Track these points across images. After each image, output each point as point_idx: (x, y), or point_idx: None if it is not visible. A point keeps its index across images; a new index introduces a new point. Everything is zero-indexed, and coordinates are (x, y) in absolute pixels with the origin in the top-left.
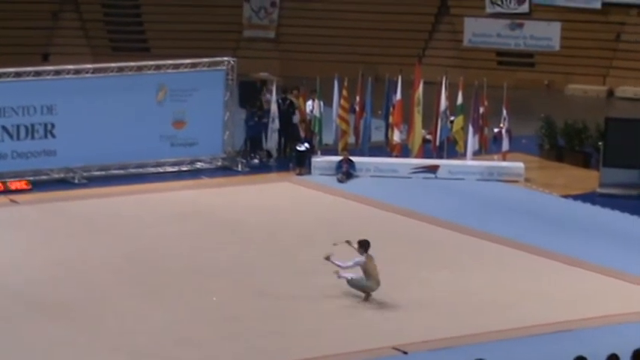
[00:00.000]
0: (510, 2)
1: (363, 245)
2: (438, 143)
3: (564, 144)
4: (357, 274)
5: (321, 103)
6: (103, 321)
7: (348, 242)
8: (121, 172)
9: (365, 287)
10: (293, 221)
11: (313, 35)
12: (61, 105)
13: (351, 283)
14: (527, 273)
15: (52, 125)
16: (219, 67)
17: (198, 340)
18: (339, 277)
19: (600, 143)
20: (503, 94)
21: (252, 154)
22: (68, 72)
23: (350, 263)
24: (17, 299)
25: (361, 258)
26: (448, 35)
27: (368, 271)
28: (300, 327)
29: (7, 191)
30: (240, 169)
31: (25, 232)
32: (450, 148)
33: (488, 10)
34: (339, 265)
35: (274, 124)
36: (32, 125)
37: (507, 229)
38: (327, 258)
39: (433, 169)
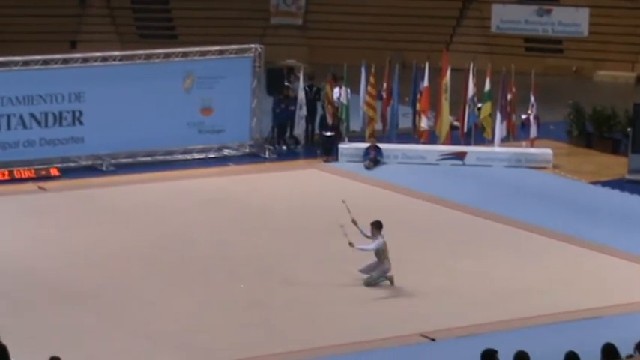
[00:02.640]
0: None
1: (378, 226)
2: (465, 130)
3: (593, 130)
4: (368, 265)
5: (349, 90)
6: (128, 308)
7: (354, 222)
8: (149, 159)
9: (381, 275)
10: (320, 208)
11: (340, 22)
12: (88, 92)
13: (368, 282)
14: (555, 260)
15: (80, 112)
16: (246, 55)
17: (223, 327)
18: (355, 247)
19: (629, 129)
20: (531, 81)
21: (280, 142)
22: (96, 59)
23: (372, 246)
24: (43, 286)
25: (380, 240)
26: (476, 22)
27: (385, 252)
28: (326, 314)
29: (35, 178)
30: (267, 156)
31: (52, 219)
32: (477, 135)
33: None
34: (364, 249)
35: (302, 111)
36: (60, 112)
37: (535, 216)
38: (351, 244)
39: (461, 155)
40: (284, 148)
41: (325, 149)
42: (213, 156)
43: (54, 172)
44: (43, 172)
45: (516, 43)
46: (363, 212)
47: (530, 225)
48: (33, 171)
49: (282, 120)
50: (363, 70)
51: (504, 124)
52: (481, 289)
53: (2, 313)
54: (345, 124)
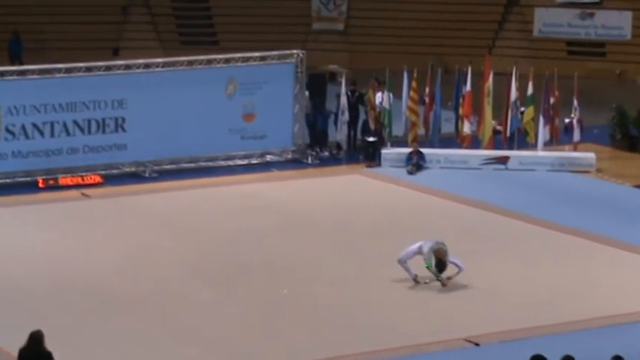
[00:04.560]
0: None
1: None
2: (508, 134)
3: (637, 134)
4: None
5: (391, 95)
6: (173, 314)
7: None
8: (192, 165)
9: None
10: (363, 213)
11: (382, 27)
12: (131, 99)
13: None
14: (599, 263)
15: (123, 119)
16: (288, 60)
17: (269, 332)
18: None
19: None
20: (574, 85)
21: (320, 148)
22: (138, 66)
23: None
24: (88, 292)
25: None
26: (518, 25)
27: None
28: (369, 319)
29: (79, 185)
30: (310, 161)
31: (96, 225)
32: (520, 139)
33: None
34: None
35: (344, 117)
36: (103, 119)
37: (579, 220)
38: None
39: (503, 160)
40: (326, 153)
41: (368, 154)
42: (255, 162)
43: (97, 178)
44: (87, 179)
45: (559, 46)
46: (405, 217)
47: (573, 229)
48: (76, 177)
49: (322, 126)
50: (405, 75)
51: (547, 128)
52: (526, 293)
53: (47, 319)
54: (387, 129)
